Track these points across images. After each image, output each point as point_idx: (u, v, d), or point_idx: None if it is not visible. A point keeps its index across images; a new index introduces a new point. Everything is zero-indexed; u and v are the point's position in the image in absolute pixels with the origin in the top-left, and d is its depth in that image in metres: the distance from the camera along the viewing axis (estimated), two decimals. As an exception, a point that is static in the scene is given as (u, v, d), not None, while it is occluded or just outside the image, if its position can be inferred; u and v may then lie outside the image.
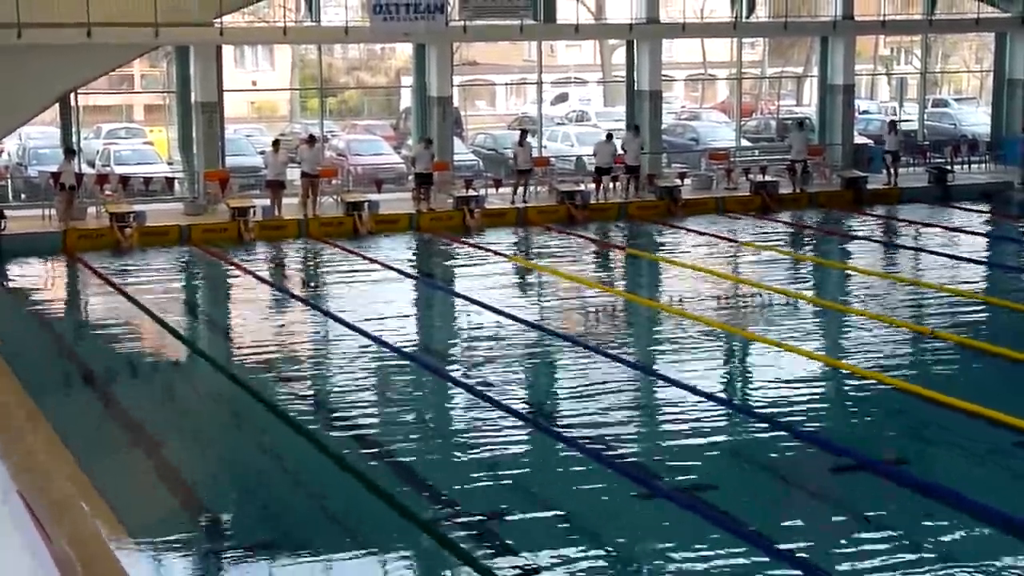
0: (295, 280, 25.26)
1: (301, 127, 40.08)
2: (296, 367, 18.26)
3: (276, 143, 31.07)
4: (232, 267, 25.41)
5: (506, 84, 51.00)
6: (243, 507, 13.06)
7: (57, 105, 30.52)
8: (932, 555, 11.40)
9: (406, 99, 41.33)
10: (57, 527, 11.09)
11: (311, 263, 26.75)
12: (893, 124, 35.68)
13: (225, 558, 11.62)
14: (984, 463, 13.99)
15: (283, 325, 21.32)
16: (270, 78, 51.51)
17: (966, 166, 37.37)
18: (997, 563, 11.18)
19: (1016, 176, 35.37)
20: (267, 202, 29.60)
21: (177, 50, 31.73)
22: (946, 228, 29.53)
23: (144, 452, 14.73)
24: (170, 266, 26.02)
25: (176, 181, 31.74)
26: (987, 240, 28.93)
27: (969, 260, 25.58)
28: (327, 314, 21.13)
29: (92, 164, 33.46)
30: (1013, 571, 11.00)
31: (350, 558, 11.54)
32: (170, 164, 34.27)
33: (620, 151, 32.89)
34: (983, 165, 37.76)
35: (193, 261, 26.48)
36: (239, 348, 19.71)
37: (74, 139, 30.59)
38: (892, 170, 34.50)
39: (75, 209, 28.35)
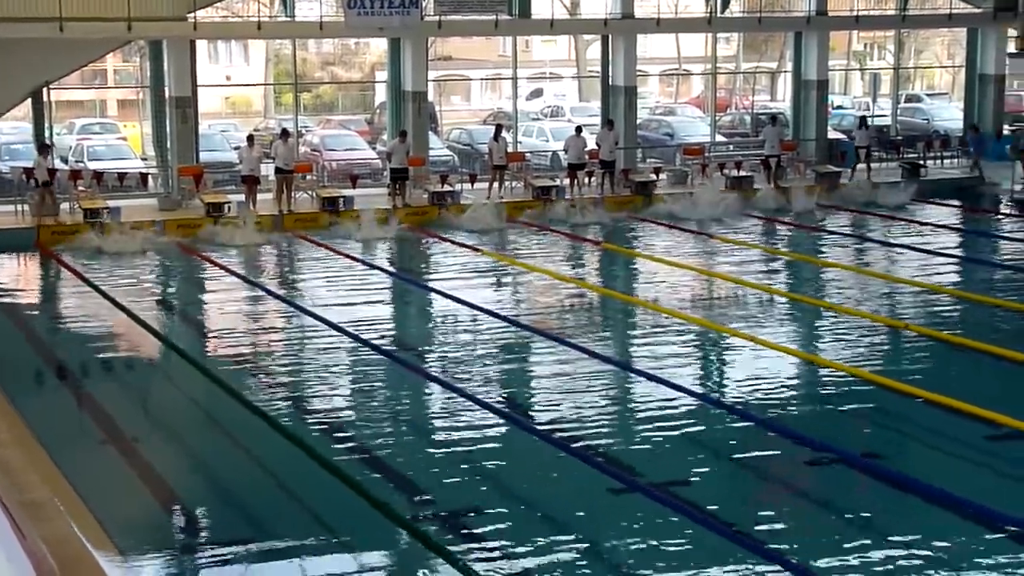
0: (271, 276, 25.20)
1: (275, 122, 40.05)
2: (272, 363, 18.27)
3: (251, 138, 31.02)
4: (207, 262, 25.35)
5: (481, 79, 51.05)
6: (220, 504, 13.08)
7: (30, 100, 30.41)
8: (905, 547, 11.47)
9: (381, 94, 41.37)
10: (33, 527, 11.06)
11: (286, 258, 26.70)
12: (863, 120, 35.84)
13: (203, 555, 11.64)
14: (956, 456, 14.09)
15: (259, 321, 21.31)
16: (244, 73, 51.44)
17: (939, 161, 37.57)
18: (969, 554, 11.28)
19: (981, 170, 35.48)
20: (242, 197, 29.55)
21: (150, 45, 31.65)
22: (919, 223, 29.70)
23: (120, 450, 14.70)
24: (145, 262, 25.94)
25: (150, 176, 31.63)
26: (960, 235, 29.09)
27: (942, 255, 25.72)
28: (303, 309, 21.12)
29: (65, 160, 33.38)
30: (984, 562, 11.09)
31: (327, 554, 11.56)
32: (144, 159, 34.22)
33: (595, 146, 32.94)
34: (955, 160, 37.96)
35: (168, 256, 26.40)
36: (214, 344, 19.69)
37: (47, 134, 30.48)
38: (866, 165, 34.64)
39: (49, 205, 28.24)
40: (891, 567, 11.09)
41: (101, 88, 46.60)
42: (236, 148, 33.65)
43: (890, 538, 11.72)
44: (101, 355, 19.03)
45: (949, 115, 43.21)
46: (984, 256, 26.10)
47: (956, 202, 32.83)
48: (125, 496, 13.20)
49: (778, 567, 10.97)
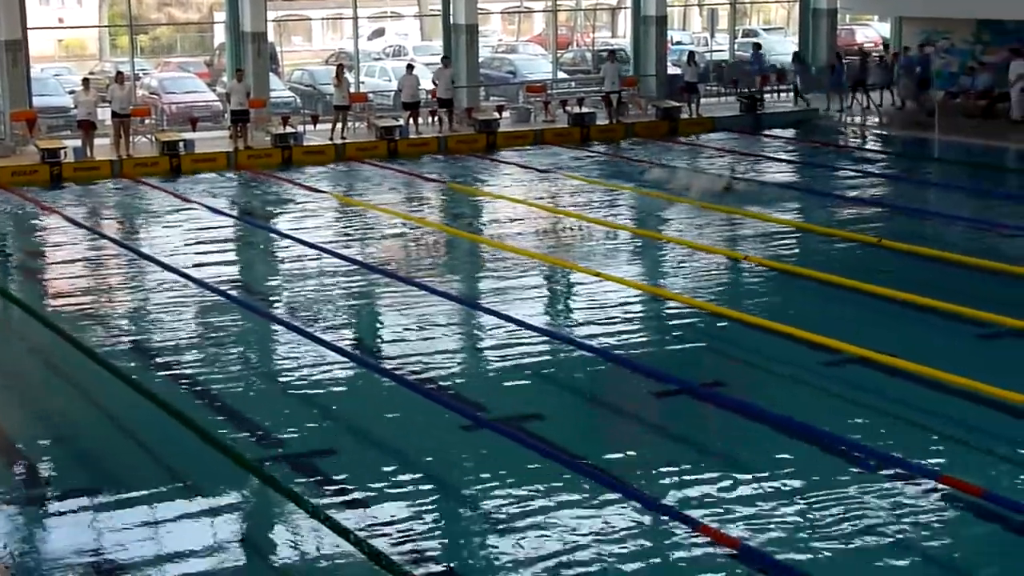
0: (111, 222, 24.72)
1: (111, 65, 39.13)
2: (114, 311, 17.97)
3: (86, 82, 30.36)
4: (44, 211, 24.79)
5: (322, 19, 50.44)
6: (65, 455, 12.84)
7: None
8: (750, 474, 11.74)
9: (220, 35, 40.65)
10: None
11: (127, 204, 26.19)
12: (691, 56, 36.19)
13: (46, 506, 11.43)
14: (796, 383, 14.44)
15: (99, 268, 20.90)
16: (77, 15, 50.15)
17: (775, 95, 38.22)
18: (809, 477, 11.58)
19: (823, 103, 36.25)
20: (78, 143, 28.91)
21: (-23, -13, 30.64)
22: (757, 156, 30.24)
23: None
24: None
25: (-20, 123, 30.75)
26: (797, 167, 29.67)
27: (780, 187, 26.24)
28: (145, 256, 20.78)
29: None
30: (822, 483, 11.41)
31: (175, 500, 11.43)
32: (-26, 106, 33.20)
33: (433, 84, 32.90)
34: (791, 94, 38.63)
35: (2, 204, 25.72)
36: (53, 294, 19.29)
37: None
38: (695, 102, 35.02)
39: None
40: (737, 493, 11.34)
41: (-74, 32, 44.97)
42: (71, 92, 32.92)
43: (736, 465, 11.99)
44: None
45: (784, 49, 43.93)
46: (821, 187, 26.65)
47: (792, 134, 33.46)
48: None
49: (629, 499, 11.14)
